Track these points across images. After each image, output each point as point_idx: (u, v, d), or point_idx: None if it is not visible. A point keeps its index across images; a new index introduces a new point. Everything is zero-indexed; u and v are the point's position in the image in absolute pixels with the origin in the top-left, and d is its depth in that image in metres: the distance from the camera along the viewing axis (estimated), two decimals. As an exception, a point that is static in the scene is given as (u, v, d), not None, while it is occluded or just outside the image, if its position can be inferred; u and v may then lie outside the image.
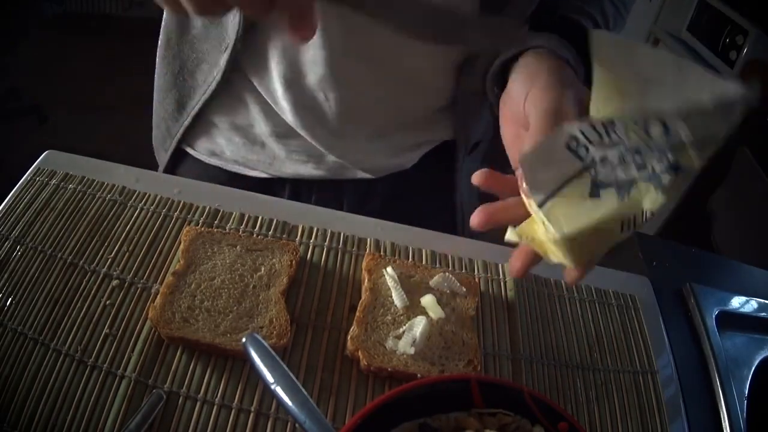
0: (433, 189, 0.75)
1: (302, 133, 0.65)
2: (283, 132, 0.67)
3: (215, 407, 0.44)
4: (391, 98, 0.65)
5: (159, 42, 0.67)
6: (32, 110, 2.29)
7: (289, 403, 0.39)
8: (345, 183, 0.71)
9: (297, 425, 0.41)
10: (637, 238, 0.73)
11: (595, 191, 0.34)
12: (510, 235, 0.38)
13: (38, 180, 0.57)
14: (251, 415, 0.44)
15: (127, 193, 0.58)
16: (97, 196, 0.57)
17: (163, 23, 0.66)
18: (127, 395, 0.43)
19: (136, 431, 0.40)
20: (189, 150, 0.72)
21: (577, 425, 0.41)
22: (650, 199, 0.33)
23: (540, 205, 0.35)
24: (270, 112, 0.66)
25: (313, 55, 0.58)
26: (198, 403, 0.44)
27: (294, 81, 0.61)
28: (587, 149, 0.35)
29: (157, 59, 0.69)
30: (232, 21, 0.59)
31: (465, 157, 0.72)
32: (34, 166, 0.58)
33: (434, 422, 0.41)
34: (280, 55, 0.60)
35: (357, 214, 0.63)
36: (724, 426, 0.54)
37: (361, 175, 0.70)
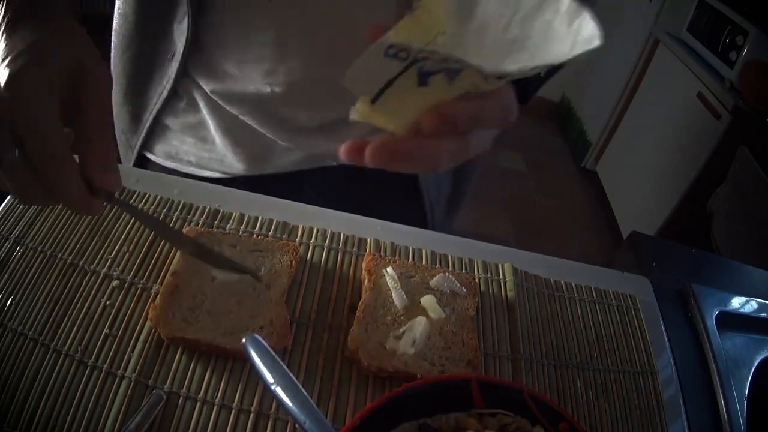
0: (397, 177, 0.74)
1: (250, 121, 0.64)
2: (231, 126, 0.66)
3: (215, 408, 0.44)
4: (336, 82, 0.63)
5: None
6: (32, 110, 2.29)
7: (289, 403, 0.39)
8: (306, 174, 0.70)
9: (297, 426, 0.41)
10: (637, 238, 0.73)
11: (422, 80, 0.34)
12: (353, 114, 0.37)
13: (38, 180, 0.57)
14: (251, 415, 0.44)
15: (127, 193, 0.58)
16: (97, 196, 0.57)
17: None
18: (127, 395, 0.43)
19: (136, 431, 0.40)
20: (149, 155, 0.72)
21: (577, 425, 0.41)
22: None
23: (373, 102, 0.35)
24: (218, 106, 0.65)
25: (263, 37, 0.57)
26: (198, 404, 0.44)
27: (244, 64, 0.60)
28: (408, 51, 0.34)
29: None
30: (178, 28, 0.59)
31: None
32: (34, 166, 0.58)
33: (434, 422, 0.41)
34: (233, 36, 0.58)
35: (358, 215, 0.63)
36: (724, 426, 0.54)
37: (327, 162, 0.69)
